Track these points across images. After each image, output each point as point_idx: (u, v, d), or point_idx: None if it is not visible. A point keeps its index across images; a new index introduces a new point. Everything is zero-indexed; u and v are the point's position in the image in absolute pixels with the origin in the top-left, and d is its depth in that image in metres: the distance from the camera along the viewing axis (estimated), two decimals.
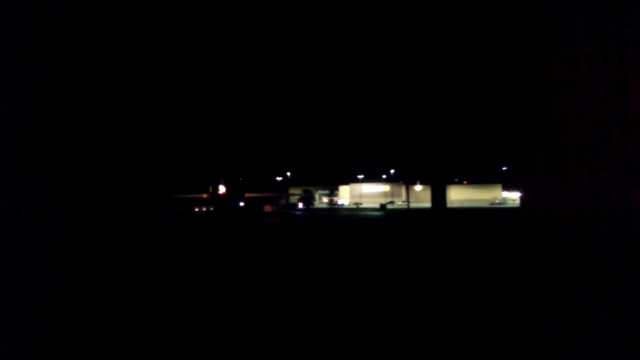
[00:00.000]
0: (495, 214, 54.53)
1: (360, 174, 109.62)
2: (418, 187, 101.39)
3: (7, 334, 7.42)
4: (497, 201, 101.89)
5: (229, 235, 28.35)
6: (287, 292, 10.15)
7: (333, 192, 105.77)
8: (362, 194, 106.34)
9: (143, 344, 6.71)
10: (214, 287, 10.99)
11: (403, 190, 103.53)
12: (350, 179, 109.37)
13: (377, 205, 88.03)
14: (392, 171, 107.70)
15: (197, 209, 75.37)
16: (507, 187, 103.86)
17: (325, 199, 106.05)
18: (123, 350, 6.45)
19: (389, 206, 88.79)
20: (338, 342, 6.57)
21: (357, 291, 10.10)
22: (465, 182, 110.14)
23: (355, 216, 53.81)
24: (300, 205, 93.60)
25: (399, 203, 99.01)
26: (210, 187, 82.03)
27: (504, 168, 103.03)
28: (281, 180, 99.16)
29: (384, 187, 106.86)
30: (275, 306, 8.83)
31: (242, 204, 77.53)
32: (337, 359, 5.95)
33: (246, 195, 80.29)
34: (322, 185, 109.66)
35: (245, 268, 14.04)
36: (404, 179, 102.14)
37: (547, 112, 3.55)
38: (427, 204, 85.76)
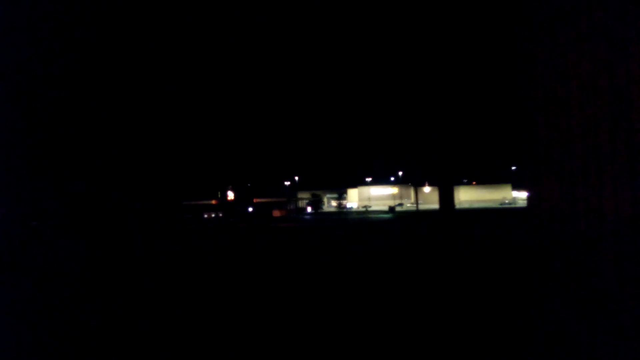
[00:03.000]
0: (505, 214, 54.12)
1: (368, 177, 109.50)
2: (427, 189, 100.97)
3: (18, 341, 7.48)
4: (506, 201, 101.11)
5: (238, 241, 28.42)
6: (298, 297, 10.13)
7: (341, 195, 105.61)
8: (371, 197, 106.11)
9: (152, 351, 6.73)
10: (223, 293, 11.00)
11: (412, 192, 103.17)
12: (359, 182, 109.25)
13: (386, 208, 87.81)
14: (400, 173, 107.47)
15: (206, 215, 75.69)
16: (517, 186, 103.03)
17: (333, 203, 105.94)
18: (128, 352, 6.47)
19: (398, 208, 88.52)
20: (347, 343, 6.54)
21: (366, 293, 10.06)
22: (474, 183, 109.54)
23: (364, 219, 53.71)
24: (309, 209, 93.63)
25: (408, 205, 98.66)
26: (219, 193, 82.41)
27: (514, 168, 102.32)
28: (289, 185, 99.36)
29: (393, 190, 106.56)
30: (285, 310, 8.82)
31: (250, 209, 77.76)
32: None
33: (255, 200, 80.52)
34: (330, 189, 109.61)
35: (258, 275, 14.05)
36: (413, 180, 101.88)
37: (552, 112, 3.53)
38: (436, 205, 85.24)
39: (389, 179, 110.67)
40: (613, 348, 2.83)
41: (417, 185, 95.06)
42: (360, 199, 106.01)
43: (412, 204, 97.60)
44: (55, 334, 7.89)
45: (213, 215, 76.01)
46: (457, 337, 6.76)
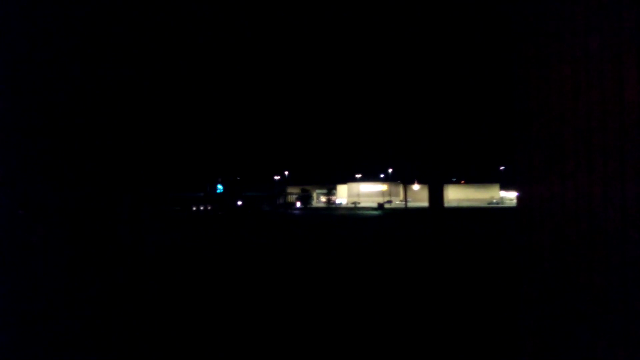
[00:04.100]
0: (493, 213, 54.63)
1: (358, 173, 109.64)
2: (416, 187, 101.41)
3: (6, 334, 7.39)
4: (494, 201, 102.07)
5: (226, 234, 28.33)
6: (284, 291, 10.14)
7: (331, 191, 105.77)
8: (360, 193, 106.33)
9: (142, 343, 6.70)
10: (210, 286, 10.98)
11: (401, 189, 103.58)
12: (348, 178, 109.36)
13: (375, 205, 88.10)
14: (390, 170, 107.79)
15: (194, 208, 75.34)
16: (505, 186, 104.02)
17: (323, 198, 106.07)
18: (122, 350, 6.44)
19: (387, 205, 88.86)
20: (334, 342, 6.56)
21: (354, 290, 10.10)
22: (463, 182, 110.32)
23: (353, 215, 53.84)
24: (298, 204, 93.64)
25: (397, 202, 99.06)
26: (208, 186, 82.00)
27: (502, 168, 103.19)
28: (279, 180, 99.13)
29: (382, 187, 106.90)
30: (272, 305, 8.83)
31: (239, 202, 77.52)
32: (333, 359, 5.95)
33: (243, 194, 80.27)
34: (320, 184, 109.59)
35: (244, 268, 14.02)
36: (402, 178, 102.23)
37: (544, 110, 3.56)
38: (424, 203, 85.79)
39: (379, 176, 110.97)
40: (605, 352, 2.88)
41: (407, 182, 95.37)
42: (349, 195, 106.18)
43: (400, 201, 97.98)
44: (41, 327, 7.81)
45: (202, 208, 75.66)
46: (443, 335, 6.82)
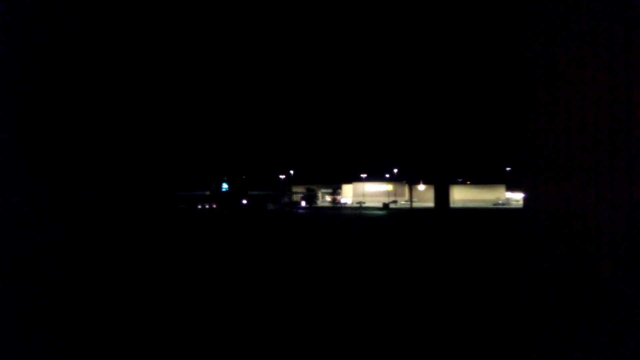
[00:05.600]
0: (499, 214, 54.44)
1: (363, 173, 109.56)
2: (421, 187, 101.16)
3: (8, 334, 7.45)
4: (500, 202, 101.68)
5: (232, 233, 28.41)
6: (287, 293, 10.15)
7: (336, 190, 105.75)
8: (365, 193, 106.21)
9: (145, 343, 6.73)
10: (214, 285, 11.01)
11: (406, 189, 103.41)
12: (354, 178, 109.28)
13: (380, 205, 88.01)
14: (395, 170, 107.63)
15: (200, 206, 75.65)
16: (511, 187, 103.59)
17: (328, 198, 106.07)
18: (124, 350, 6.47)
19: (392, 205, 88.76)
20: (338, 343, 6.56)
21: (359, 291, 10.09)
22: (468, 182, 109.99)
23: (358, 215, 53.83)
24: (303, 203, 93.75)
25: (402, 202, 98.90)
26: (213, 184, 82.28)
27: (508, 169, 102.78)
28: (284, 179, 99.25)
29: (387, 187, 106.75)
30: (275, 306, 8.85)
31: (245, 201, 77.75)
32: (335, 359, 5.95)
33: (249, 193, 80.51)
34: (325, 184, 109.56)
35: (249, 268, 14.06)
36: (407, 178, 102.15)
37: (551, 112, 3.54)
38: (430, 203, 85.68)
39: (384, 175, 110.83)
40: (610, 351, 2.86)
41: (412, 183, 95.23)
42: (354, 195, 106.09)
43: (406, 201, 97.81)
44: (42, 325, 7.86)
45: (207, 206, 75.93)
46: (448, 334, 6.80)
